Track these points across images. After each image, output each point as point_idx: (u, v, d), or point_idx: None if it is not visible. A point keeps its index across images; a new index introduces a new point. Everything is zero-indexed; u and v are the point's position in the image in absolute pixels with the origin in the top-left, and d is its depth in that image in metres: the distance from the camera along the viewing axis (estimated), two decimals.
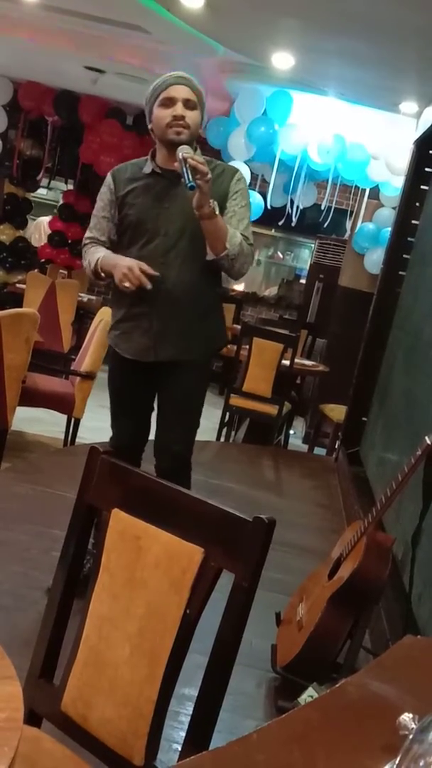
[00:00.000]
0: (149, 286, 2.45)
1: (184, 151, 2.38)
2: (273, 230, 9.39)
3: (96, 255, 2.61)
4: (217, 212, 2.44)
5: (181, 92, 2.52)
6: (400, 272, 5.10)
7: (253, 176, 6.40)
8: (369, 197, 6.77)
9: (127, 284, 2.46)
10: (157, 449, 2.75)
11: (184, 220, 2.54)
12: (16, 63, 7.06)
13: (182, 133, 2.50)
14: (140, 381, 2.74)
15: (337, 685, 1.06)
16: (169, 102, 2.52)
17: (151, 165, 2.62)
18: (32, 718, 1.39)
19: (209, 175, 2.36)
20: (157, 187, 2.61)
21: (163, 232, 2.59)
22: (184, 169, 2.33)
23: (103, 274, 2.59)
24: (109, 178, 2.69)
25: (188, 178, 2.31)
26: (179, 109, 2.51)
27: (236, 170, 2.69)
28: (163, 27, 4.91)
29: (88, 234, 2.72)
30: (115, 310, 2.75)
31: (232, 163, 2.75)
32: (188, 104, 2.53)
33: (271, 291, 9.63)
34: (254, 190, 6.29)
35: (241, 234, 2.55)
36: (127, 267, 2.46)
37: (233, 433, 6.17)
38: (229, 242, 2.50)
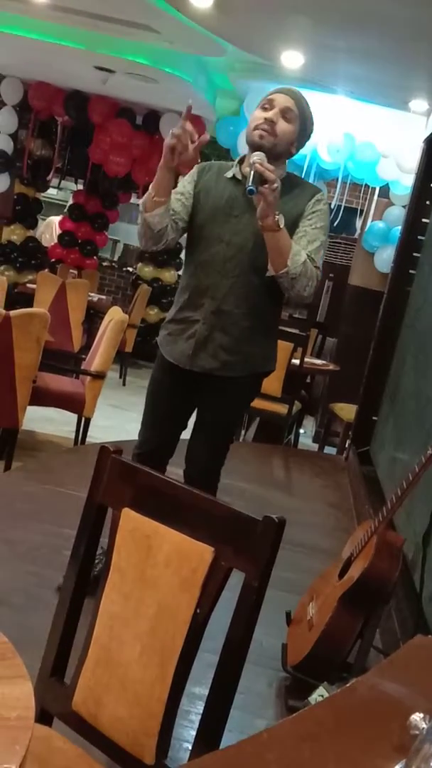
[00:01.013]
0: (204, 139, 2.30)
1: (257, 156, 2.31)
2: None
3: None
4: (282, 225, 2.32)
5: (282, 100, 2.46)
6: (411, 271, 5.08)
7: None
8: (379, 196, 6.76)
9: (173, 141, 2.27)
10: (187, 458, 2.68)
11: (251, 232, 2.43)
12: (26, 63, 7.09)
13: (265, 137, 2.41)
14: (180, 390, 2.64)
15: (347, 685, 1.06)
16: (268, 105, 2.46)
17: (234, 170, 2.54)
18: (43, 717, 1.40)
19: (276, 185, 2.24)
20: (232, 193, 2.50)
21: (226, 239, 2.48)
22: (251, 173, 2.24)
23: (152, 191, 2.40)
24: (195, 169, 2.61)
25: (250, 182, 2.23)
26: (272, 113, 2.44)
27: (318, 191, 2.58)
28: (172, 26, 4.92)
29: None
30: (171, 309, 2.66)
31: None
32: (286, 114, 2.44)
33: None
34: None
35: (308, 255, 2.41)
36: (171, 135, 2.29)
37: (243, 432, 6.17)
38: (291, 260, 2.36)
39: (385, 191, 6.63)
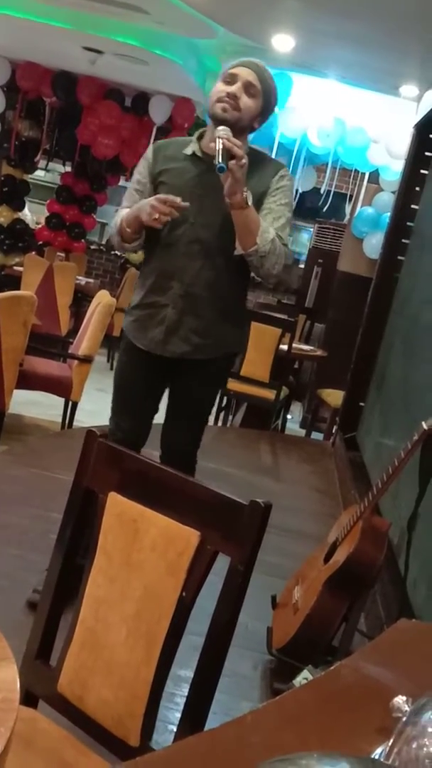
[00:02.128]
0: (183, 206, 2.31)
1: (222, 131, 2.25)
2: None
3: (119, 216, 2.48)
4: (250, 203, 2.29)
5: (245, 74, 2.39)
6: (399, 257, 5.08)
7: None
8: (369, 181, 6.74)
9: (156, 216, 2.29)
10: (162, 443, 2.67)
11: (216, 211, 2.37)
12: (14, 43, 7.00)
13: (228, 111, 2.35)
14: (150, 376, 2.61)
15: (331, 668, 1.07)
16: (230, 79, 2.39)
17: (193, 146, 2.48)
18: (29, 699, 1.40)
19: (244, 161, 2.21)
20: (194, 172, 2.45)
21: (191, 220, 2.41)
22: (219, 150, 2.19)
23: (129, 229, 2.43)
24: (149, 151, 2.56)
25: (219, 159, 2.18)
26: (236, 87, 2.37)
27: (282, 166, 2.55)
28: (162, 7, 4.87)
29: (119, 208, 2.57)
30: (135, 294, 2.61)
31: None
32: (249, 89, 2.38)
33: None
34: None
35: (275, 232, 2.38)
36: (149, 204, 2.31)
37: (231, 417, 6.18)
38: (260, 237, 2.32)
39: (374, 177, 6.61)
